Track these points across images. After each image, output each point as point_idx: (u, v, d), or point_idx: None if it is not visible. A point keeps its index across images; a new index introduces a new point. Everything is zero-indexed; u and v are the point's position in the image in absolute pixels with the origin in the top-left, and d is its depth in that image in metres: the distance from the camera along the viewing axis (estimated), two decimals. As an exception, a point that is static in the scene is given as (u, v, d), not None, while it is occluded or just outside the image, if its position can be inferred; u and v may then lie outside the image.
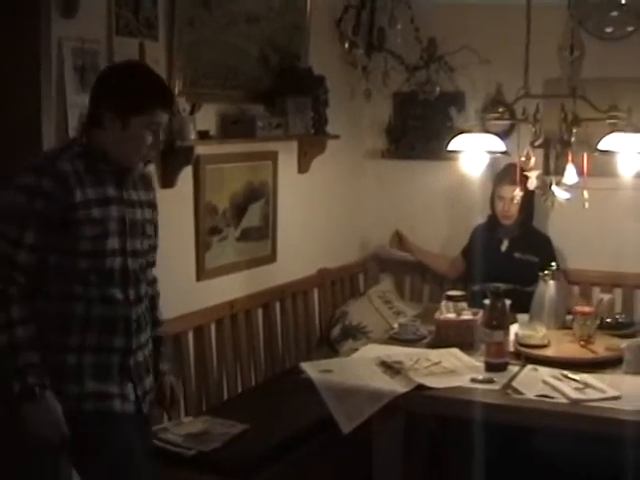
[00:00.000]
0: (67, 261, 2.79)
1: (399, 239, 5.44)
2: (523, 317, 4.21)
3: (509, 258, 5.03)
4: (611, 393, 3.40)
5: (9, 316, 2.72)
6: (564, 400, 3.38)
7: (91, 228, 2.78)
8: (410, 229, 5.63)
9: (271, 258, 4.98)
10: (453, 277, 5.47)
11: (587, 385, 3.47)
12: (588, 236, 5.35)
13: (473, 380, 3.60)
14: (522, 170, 4.08)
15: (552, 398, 3.40)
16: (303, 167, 5.20)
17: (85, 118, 2.97)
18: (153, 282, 3.16)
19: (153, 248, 3.09)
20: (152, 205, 3.07)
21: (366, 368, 3.77)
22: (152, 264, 3.11)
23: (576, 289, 5.36)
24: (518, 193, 4.77)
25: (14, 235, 2.72)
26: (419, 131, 5.71)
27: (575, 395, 3.39)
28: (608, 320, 4.23)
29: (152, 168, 3.67)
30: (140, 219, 2.96)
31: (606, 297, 4.42)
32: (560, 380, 3.55)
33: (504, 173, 4.94)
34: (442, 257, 5.57)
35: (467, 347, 4.02)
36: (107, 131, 2.82)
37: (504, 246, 5.10)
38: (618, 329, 4.17)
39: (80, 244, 2.77)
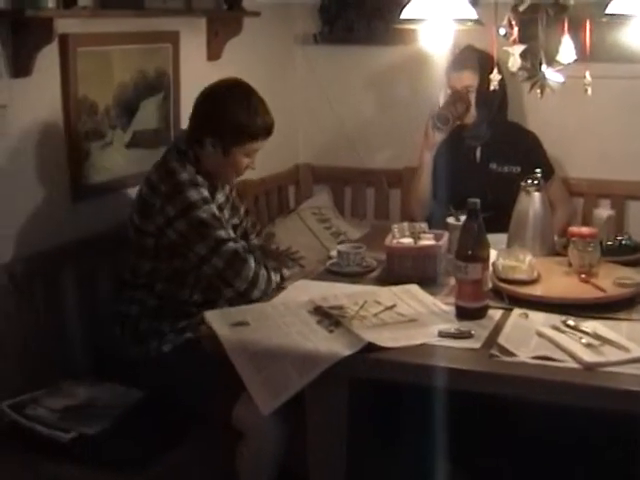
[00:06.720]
0: None
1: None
2: (497, 238, 3.22)
3: (484, 171, 4.09)
4: (637, 352, 2.43)
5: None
6: (573, 364, 2.41)
7: None
8: (346, 138, 4.84)
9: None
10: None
11: (601, 340, 2.51)
12: (570, 136, 4.47)
13: (442, 334, 2.64)
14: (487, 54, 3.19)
15: (556, 361, 2.43)
16: (214, 52, 4.27)
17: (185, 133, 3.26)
18: None
19: None
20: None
21: (295, 317, 2.82)
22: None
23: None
24: (471, 78, 4.02)
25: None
26: (359, 9, 4.85)
27: (589, 357, 2.41)
28: (609, 243, 3.30)
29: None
30: None
31: (609, 213, 3.46)
32: (562, 332, 2.59)
33: (455, 58, 4.11)
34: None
35: (429, 283, 3.11)
36: (208, 153, 3.18)
37: (477, 156, 4.17)
38: (621, 255, 3.27)
39: None
